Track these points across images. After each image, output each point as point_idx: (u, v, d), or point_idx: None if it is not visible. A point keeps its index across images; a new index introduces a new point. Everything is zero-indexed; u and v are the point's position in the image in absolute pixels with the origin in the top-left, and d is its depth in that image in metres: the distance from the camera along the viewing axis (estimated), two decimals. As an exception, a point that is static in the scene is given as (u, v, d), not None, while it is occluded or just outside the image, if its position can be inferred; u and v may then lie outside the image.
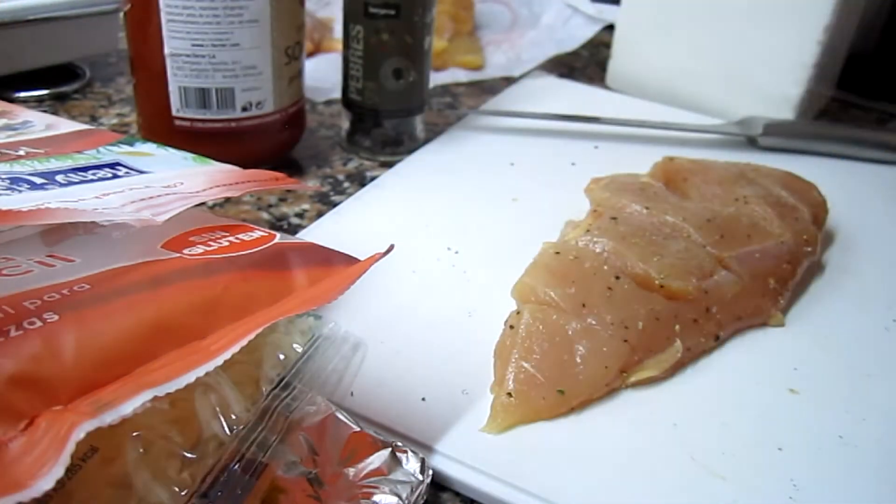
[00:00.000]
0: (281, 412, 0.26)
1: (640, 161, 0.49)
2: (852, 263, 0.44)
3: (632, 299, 0.35)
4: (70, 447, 0.18)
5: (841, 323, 0.39)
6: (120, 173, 0.31)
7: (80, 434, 0.19)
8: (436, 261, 0.41)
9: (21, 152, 0.32)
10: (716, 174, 0.45)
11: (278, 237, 0.30)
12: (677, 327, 0.35)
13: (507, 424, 0.31)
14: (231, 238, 0.29)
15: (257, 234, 0.30)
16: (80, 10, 0.56)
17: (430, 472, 0.27)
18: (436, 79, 0.67)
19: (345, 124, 0.53)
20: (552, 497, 0.28)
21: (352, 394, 0.31)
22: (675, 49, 0.63)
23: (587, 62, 0.76)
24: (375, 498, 0.26)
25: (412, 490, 0.26)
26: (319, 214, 0.45)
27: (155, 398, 0.20)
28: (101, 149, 0.34)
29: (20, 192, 0.26)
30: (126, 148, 0.34)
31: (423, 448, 0.29)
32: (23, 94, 0.56)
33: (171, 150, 0.35)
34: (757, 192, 0.44)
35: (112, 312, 0.23)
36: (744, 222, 0.41)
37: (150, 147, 0.35)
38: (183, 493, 0.23)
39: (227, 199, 0.47)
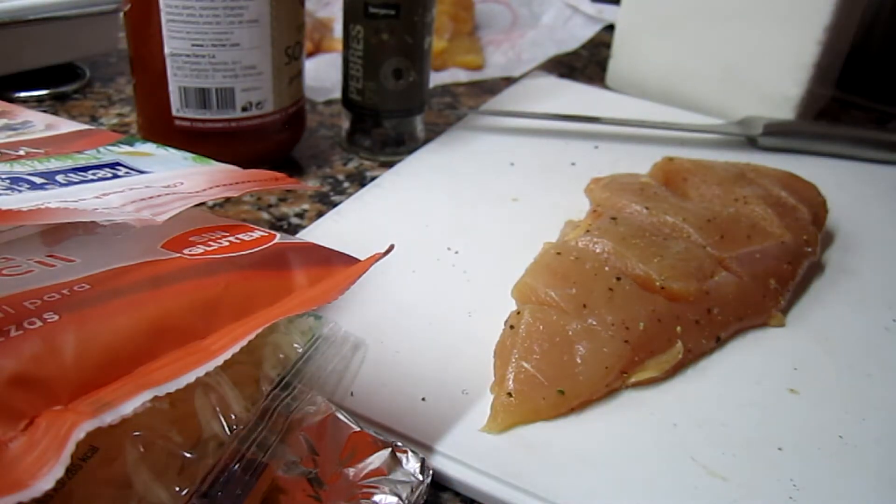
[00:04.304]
0: (281, 412, 0.26)
1: (640, 161, 0.49)
2: (852, 263, 0.44)
3: (633, 300, 0.35)
4: (70, 447, 0.18)
5: (841, 323, 0.39)
6: (120, 173, 0.31)
7: (80, 434, 0.19)
8: (436, 261, 0.41)
9: (21, 152, 0.32)
10: (716, 174, 0.45)
11: (278, 237, 0.30)
12: (678, 328, 0.35)
13: (507, 424, 0.31)
14: (231, 238, 0.29)
15: (257, 234, 0.30)
16: (80, 10, 0.56)
17: (430, 472, 0.27)
18: (436, 79, 0.67)
19: (345, 124, 0.53)
20: (552, 497, 0.28)
21: (352, 394, 0.31)
22: (675, 49, 0.63)
23: (587, 62, 0.76)
24: (375, 498, 0.26)
25: (412, 490, 0.26)
26: (319, 214, 0.45)
27: (155, 398, 0.20)
28: (101, 149, 0.34)
29: (20, 192, 0.26)
30: (126, 148, 0.34)
31: (423, 448, 0.29)
32: (23, 94, 0.56)
33: (171, 150, 0.35)
34: (757, 193, 0.44)
35: (112, 312, 0.23)
36: (744, 223, 0.41)
37: (150, 147, 0.35)
38: (183, 493, 0.23)
39: (227, 199, 0.47)
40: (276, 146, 0.49)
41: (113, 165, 0.31)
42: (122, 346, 0.22)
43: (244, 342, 0.23)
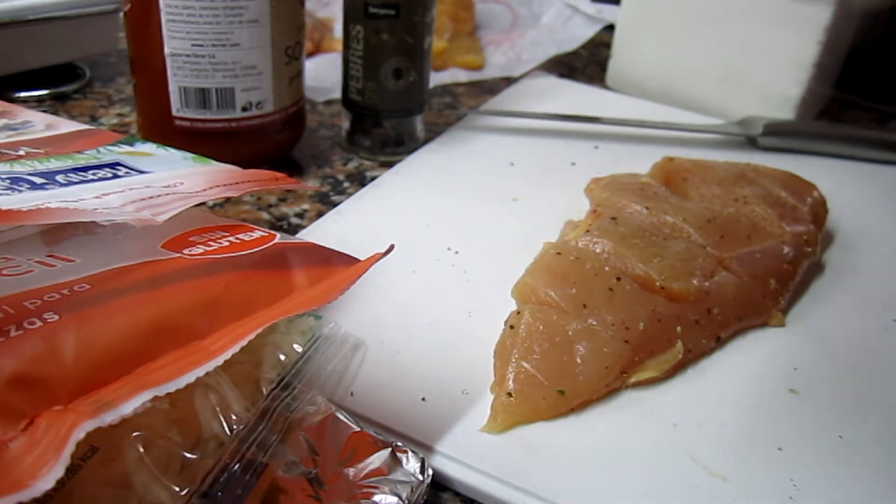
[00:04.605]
0: (281, 412, 0.26)
1: (640, 161, 0.49)
2: (852, 263, 0.44)
3: (633, 300, 0.35)
4: (70, 447, 0.18)
5: (841, 323, 0.39)
6: (120, 173, 0.31)
7: (80, 434, 0.19)
8: (436, 261, 0.41)
9: (21, 152, 0.32)
10: (716, 174, 0.45)
11: (278, 237, 0.30)
12: (678, 328, 0.35)
13: (507, 424, 0.31)
14: (231, 238, 0.29)
15: (257, 234, 0.30)
16: (80, 10, 0.56)
17: (430, 472, 0.27)
18: (436, 79, 0.67)
19: (345, 124, 0.53)
20: (552, 497, 0.28)
21: (352, 394, 0.31)
22: (675, 49, 0.63)
23: (587, 62, 0.76)
24: (375, 498, 0.26)
25: (412, 490, 0.26)
26: (319, 214, 0.45)
27: (155, 398, 0.20)
28: (101, 149, 0.34)
29: (20, 192, 0.26)
30: (126, 148, 0.34)
31: (423, 448, 0.29)
32: (23, 94, 0.56)
33: (171, 150, 0.35)
34: (757, 192, 0.44)
35: (112, 312, 0.23)
36: (744, 223, 0.41)
37: (150, 147, 0.35)
38: (183, 493, 0.23)
39: (227, 199, 0.47)
40: (276, 146, 0.49)
41: (113, 165, 0.32)
42: (122, 346, 0.22)
43: (244, 342, 0.23)
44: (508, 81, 0.68)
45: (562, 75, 0.70)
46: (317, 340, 0.29)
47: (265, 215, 0.46)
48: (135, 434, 0.22)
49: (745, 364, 0.36)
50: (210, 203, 0.46)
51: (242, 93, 0.45)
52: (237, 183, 0.32)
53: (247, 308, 0.25)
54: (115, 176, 0.30)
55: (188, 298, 0.25)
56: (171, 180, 0.31)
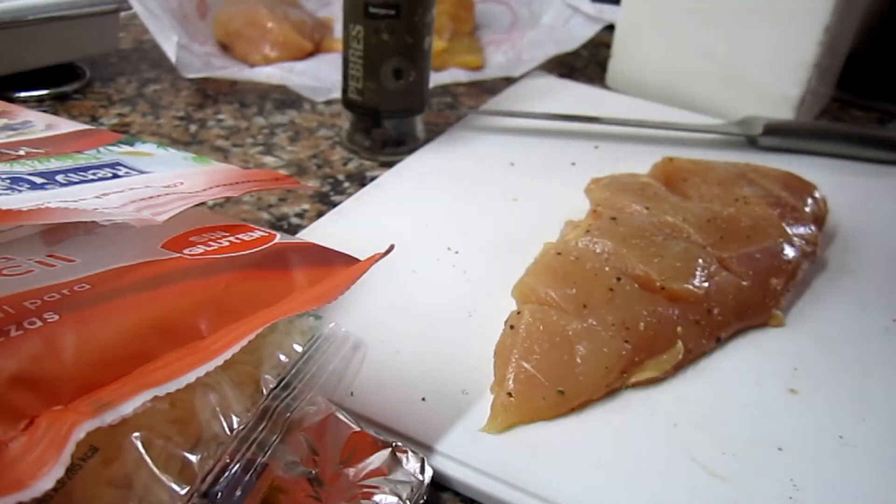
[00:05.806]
0: (281, 412, 0.26)
1: (640, 161, 0.49)
2: (852, 263, 0.44)
3: (633, 300, 0.35)
4: (70, 447, 0.18)
5: (841, 323, 0.39)
6: (120, 173, 0.31)
7: (80, 434, 0.19)
8: (436, 261, 0.41)
9: (21, 152, 0.32)
10: (716, 174, 0.45)
11: (278, 237, 0.30)
12: (679, 328, 0.35)
13: (507, 424, 0.31)
14: (231, 238, 0.29)
15: (257, 234, 0.30)
16: (80, 10, 0.56)
17: (430, 472, 0.27)
18: (436, 79, 0.66)
19: (345, 124, 0.53)
20: (552, 497, 0.28)
21: (352, 394, 0.31)
22: (675, 49, 0.63)
23: (587, 62, 0.76)
24: (375, 498, 0.26)
25: (412, 490, 0.26)
26: (319, 214, 0.45)
27: (155, 398, 0.20)
28: (101, 149, 0.34)
29: (20, 192, 0.26)
30: (126, 148, 0.34)
31: (423, 448, 0.29)
32: (23, 94, 0.56)
33: (171, 150, 0.35)
34: (757, 192, 0.44)
35: (112, 312, 0.23)
36: (744, 223, 0.41)
37: (150, 147, 0.35)
38: (183, 493, 0.23)
39: (227, 199, 0.47)
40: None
41: (113, 165, 0.32)
42: (122, 346, 0.22)
43: (244, 342, 0.23)
44: (508, 81, 0.68)
45: (562, 75, 0.70)
46: (317, 340, 0.29)
47: (265, 215, 0.46)
48: (135, 434, 0.22)
49: (745, 364, 0.36)
50: (210, 203, 0.46)
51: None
52: (237, 183, 0.32)
53: (247, 308, 0.25)
54: (115, 176, 0.30)
55: (188, 298, 0.25)
56: (171, 180, 0.31)
